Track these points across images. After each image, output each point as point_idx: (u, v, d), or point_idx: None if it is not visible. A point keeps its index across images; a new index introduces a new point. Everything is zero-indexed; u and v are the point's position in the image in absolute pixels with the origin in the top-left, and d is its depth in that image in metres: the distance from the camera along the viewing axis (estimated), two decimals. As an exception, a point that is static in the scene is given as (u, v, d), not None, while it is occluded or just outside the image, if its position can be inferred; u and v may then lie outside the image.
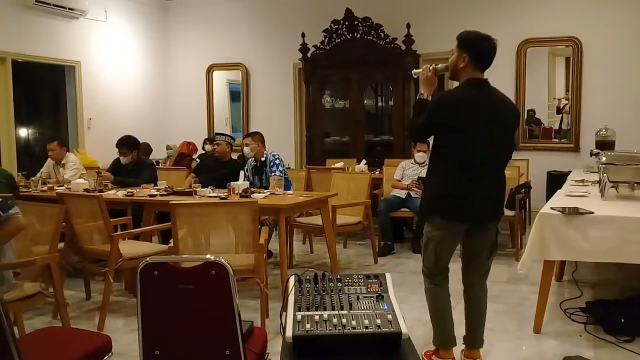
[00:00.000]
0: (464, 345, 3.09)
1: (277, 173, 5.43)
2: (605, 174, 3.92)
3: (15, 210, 2.99)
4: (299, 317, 2.12)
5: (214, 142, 6.07)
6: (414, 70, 3.10)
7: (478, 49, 2.82)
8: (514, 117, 3.02)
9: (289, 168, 7.58)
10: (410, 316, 3.63)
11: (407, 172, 6.07)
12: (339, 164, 7.08)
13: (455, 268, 3.09)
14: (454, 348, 3.04)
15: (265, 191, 4.88)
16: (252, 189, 4.87)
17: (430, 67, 2.97)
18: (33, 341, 2.46)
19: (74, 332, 2.83)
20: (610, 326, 3.53)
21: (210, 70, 9.58)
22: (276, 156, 5.56)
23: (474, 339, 3.05)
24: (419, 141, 5.79)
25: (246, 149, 5.61)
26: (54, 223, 3.45)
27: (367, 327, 2.05)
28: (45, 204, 3.83)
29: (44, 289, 3.31)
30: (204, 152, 8.03)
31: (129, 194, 4.89)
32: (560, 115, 7.70)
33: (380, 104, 8.46)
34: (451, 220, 2.89)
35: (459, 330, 3.09)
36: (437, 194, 2.92)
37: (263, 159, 5.57)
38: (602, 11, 7.13)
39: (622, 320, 3.50)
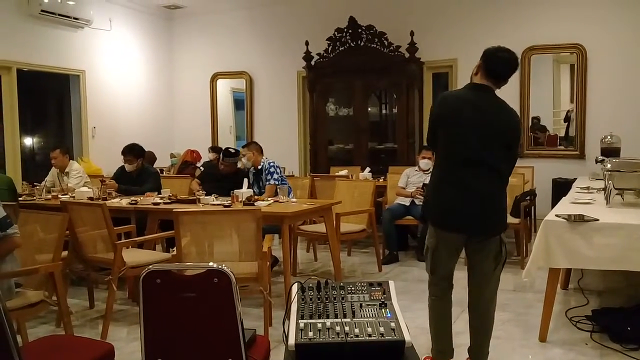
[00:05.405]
0: (467, 356, 3.06)
1: (272, 182, 5.43)
2: (610, 181, 3.90)
3: (14, 230, 2.99)
4: (301, 325, 2.11)
5: (221, 163, 5.83)
6: None
7: (491, 56, 2.84)
8: (510, 127, 2.87)
9: (292, 175, 7.56)
10: (414, 324, 3.61)
11: (412, 180, 6.06)
12: (343, 172, 7.08)
13: (460, 275, 3.06)
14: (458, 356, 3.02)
15: (269, 199, 4.88)
16: (256, 197, 4.88)
17: None
18: (36, 349, 2.46)
19: (77, 341, 2.82)
20: (617, 334, 3.50)
21: (214, 78, 9.61)
22: (271, 164, 5.57)
23: (478, 354, 3.00)
24: (432, 147, 5.76)
25: (244, 160, 5.64)
26: (58, 231, 3.45)
27: (370, 335, 2.04)
28: (49, 212, 3.83)
29: (48, 297, 3.30)
30: (209, 160, 8.00)
31: (132, 202, 4.89)
32: (567, 122, 7.67)
33: (384, 111, 8.46)
34: (442, 230, 2.88)
35: (464, 339, 3.07)
36: (430, 202, 2.96)
37: (260, 167, 5.59)
38: (606, 18, 7.13)
39: (629, 329, 3.48)
